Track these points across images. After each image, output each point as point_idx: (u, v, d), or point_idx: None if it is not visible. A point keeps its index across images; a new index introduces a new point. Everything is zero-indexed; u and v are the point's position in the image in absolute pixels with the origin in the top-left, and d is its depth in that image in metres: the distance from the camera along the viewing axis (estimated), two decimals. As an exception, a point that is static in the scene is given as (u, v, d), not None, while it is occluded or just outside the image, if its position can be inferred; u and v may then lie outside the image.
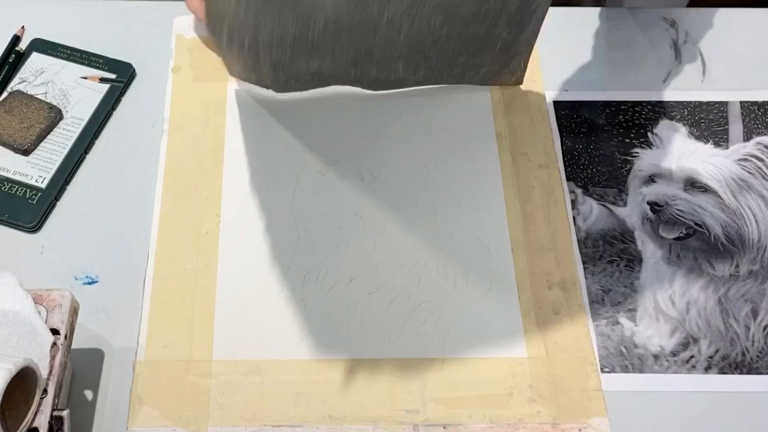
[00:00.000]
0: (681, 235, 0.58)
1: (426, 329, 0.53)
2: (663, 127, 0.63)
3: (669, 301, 0.55)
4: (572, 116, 0.64)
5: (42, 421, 0.43)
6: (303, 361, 0.52)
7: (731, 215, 0.58)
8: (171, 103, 0.62)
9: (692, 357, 0.53)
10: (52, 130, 0.61)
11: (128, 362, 0.52)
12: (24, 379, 0.42)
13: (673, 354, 0.53)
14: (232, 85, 0.63)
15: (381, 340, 0.53)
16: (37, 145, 0.60)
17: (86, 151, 0.61)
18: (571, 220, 0.58)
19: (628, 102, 0.64)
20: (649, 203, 0.59)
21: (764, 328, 0.54)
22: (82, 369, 0.52)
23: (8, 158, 0.60)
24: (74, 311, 0.47)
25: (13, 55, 0.64)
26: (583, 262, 0.57)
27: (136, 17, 0.67)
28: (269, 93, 0.63)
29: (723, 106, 0.64)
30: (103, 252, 0.57)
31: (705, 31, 0.68)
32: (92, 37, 0.66)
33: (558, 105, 0.64)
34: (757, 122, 0.63)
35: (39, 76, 0.64)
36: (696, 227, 0.58)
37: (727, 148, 0.62)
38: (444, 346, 0.53)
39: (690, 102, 0.64)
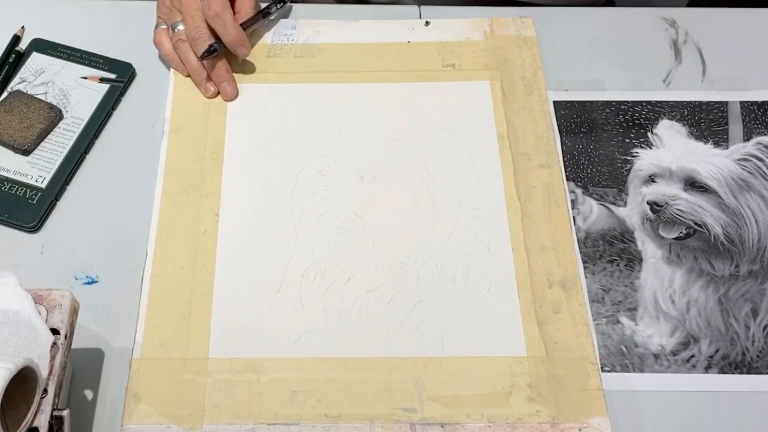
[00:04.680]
0: (681, 235, 0.58)
1: (424, 328, 0.53)
2: (663, 127, 0.63)
3: (669, 300, 0.55)
4: (572, 116, 0.64)
5: (42, 421, 0.43)
6: (299, 359, 0.52)
7: (731, 215, 0.58)
8: (172, 103, 0.63)
9: (692, 356, 0.53)
10: (52, 130, 0.61)
11: (128, 362, 0.52)
12: (24, 379, 0.42)
13: (674, 353, 0.53)
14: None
15: (379, 338, 0.53)
16: (37, 145, 0.60)
17: (86, 151, 0.61)
18: (572, 219, 0.58)
19: (628, 102, 0.64)
20: (648, 203, 0.59)
21: (764, 328, 0.54)
22: (82, 369, 0.52)
23: (8, 158, 0.60)
24: (74, 311, 0.47)
25: (13, 55, 0.64)
26: (583, 262, 0.57)
27: (136, 17, 0.67)
28: (270, 93, 0.63)
29: (723, 106, 0.64)
30: (103, 252, 0.57)
31: (705, 31, 0.68)
32: (92, 37, 0.66)
33: (558, 105, 0.64)
34: (757, 122, 0.63)
35: (39, 76, 0.64)
36: (696, 227, 0.58)
37: (727, 148, 0.62)
38: (442, 345, 0.52)
39: (690, 102, 0.64)
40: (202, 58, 0.61)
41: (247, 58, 0.65)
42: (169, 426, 0.49)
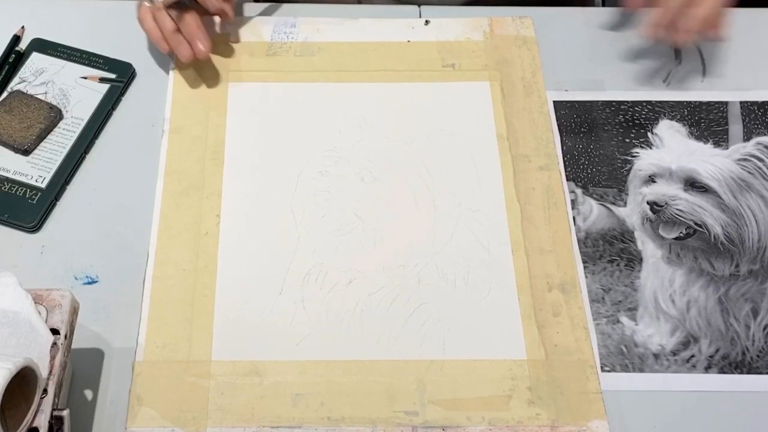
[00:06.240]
0: (681, 234, 0.58)
1: (425, 330, 0.53)
2: (663, 126, 0.63)
3: (669, 300, 0.55)
4: (572, 116, 0.64)
5: (42, 421, 0.43)
6: (302, 362, 0.52)
7: (731, 215, 0.58)
8: (172, 103, 0.63)
9: (692, 356, 0.53)
10: (52, 130, 0.61)
11: (128, 362, 0.52)
12: (24, 379, 0.42)
13: (674, 353, 0.53)
14: (233, 85, 0.63)
15: (380, 341, 0.53)
16: (37, 145, 0.60)
17: (86, 151, 0.61)
18: (572, 222, 0.58)
19: (628, 102, 0.64)
20: (648, 203, 0.59)
21: (764, 328, 0.54)
22: (82, 369, 0.52)
23: (8, 158, 0.60)
24: (74, 311, 0.47)
25: (13, 55, 0.64)
26: (583, 262, 0.57)
27: (136, 17, 0.67)
28: (270, 93, 0.63)
29: (723, 106, 0.64)
30: (103, 252, 0.57)
31: (705, 31, 0.69)
32: (92, 37, 0.66)
33: (558, 105, 0.64)
34: (757, 122, 0.63)
35: (39, 76, 0.64)
36: (696, 227, 0.58)
37: (727, 148, 0.62)
38: (443, 348, 0.53)
39: (690, 102, 0.64)
40: (168, 6, 0.59)
41: (247, 57, 0.65)
42: (173, 429, 0.49)
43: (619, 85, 0.65)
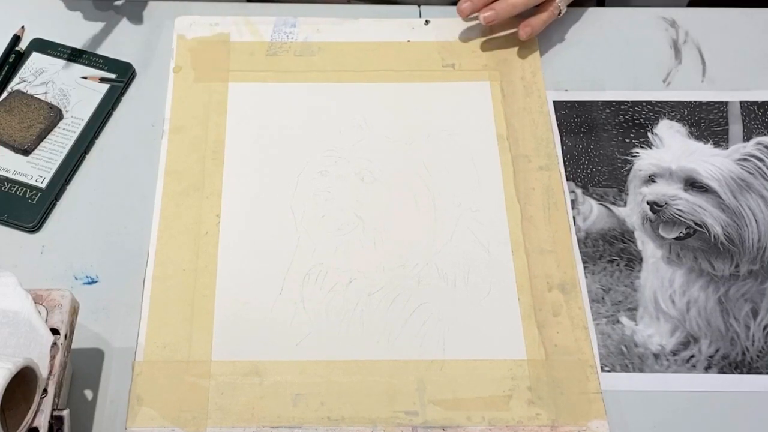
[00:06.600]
0: (681, 234, 0.58)
1: (425, 330, 0.53)
2: (663, 127, 0.63)
3: (669, 300, 0.55)
4: (572, 116, 0.64)
5: (42, 421, 0.43)
6: (302, 362, 0.52)
7: (731, 215, 0.58)
8: (172, 103, 0.62)
9: (692, 356, 0.53)
10: (52, 130, 0.61)
11: (128, 362, 0.52)
12: (24, 379, 0.42)
13: (674, 353, 0.53)
14: (233, 85, 0.63)
15: (380, 341, 0.53)
16: (37, 145, 0.60)
17: (86, 151, 0.61)
18: (572, 222, 0.58)
19: (628, 102, 0.64)
20: (648, 203, 0.59)
21: (764, 328, 0.54)
22: (82, 369, 0.52)
23: (8, 158, 0.60)
24: (74, 311, 0.47)
25: (13, 55, 0.64)
26: (583, 262, 0.57)
27: (136, 17, 0.67)
28: (270, 93, 0.63)
29: (723, 106, 0.64)
30: (103, 252, 0.57)
31: (705, 31, 0.69)
32: (92, 37, 0.66)
33: (558, 105, 0.64)
34: (757, 122, 0.63)
35: (39, 76, 0.64)
36: (696, 227, 0.58)
37: (727, 148, 0.62)
38: (443, 348, 0.53)
39: (690, 102, 0.64)
40: None
41: (247, 57, 0.65)
42: (173, 429, 0.49)
43: (619, 85, 0.65)
